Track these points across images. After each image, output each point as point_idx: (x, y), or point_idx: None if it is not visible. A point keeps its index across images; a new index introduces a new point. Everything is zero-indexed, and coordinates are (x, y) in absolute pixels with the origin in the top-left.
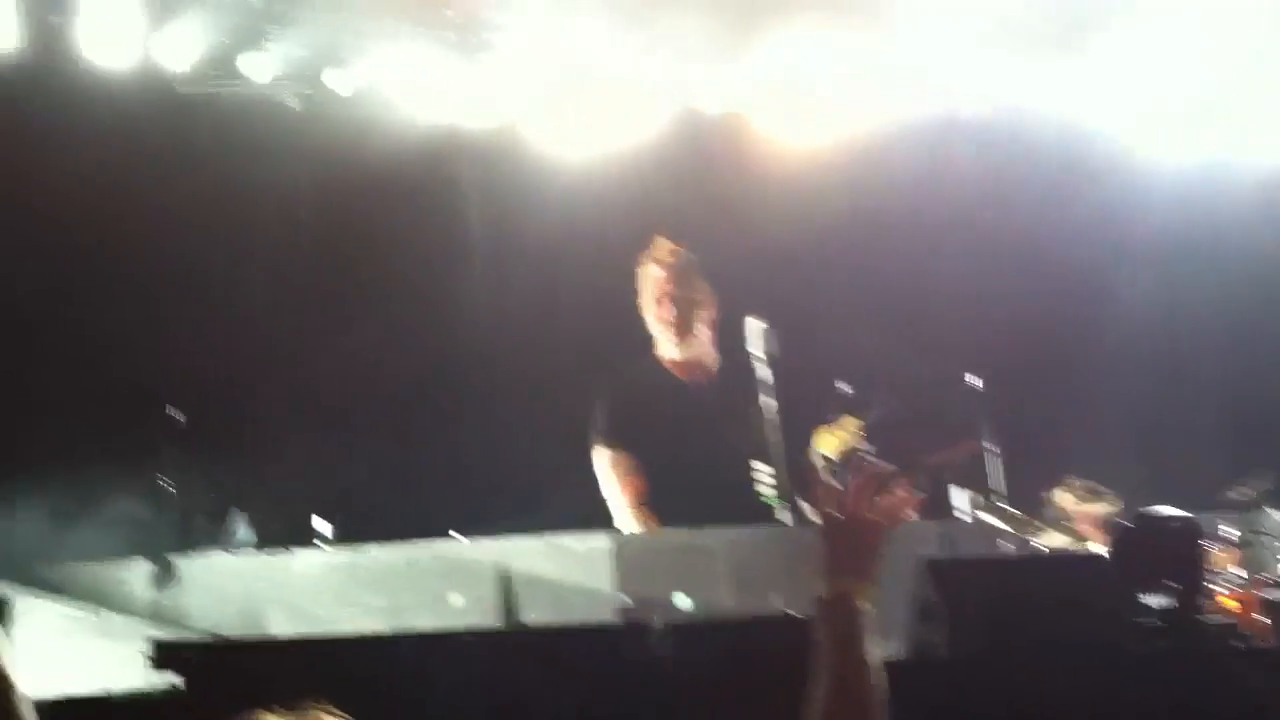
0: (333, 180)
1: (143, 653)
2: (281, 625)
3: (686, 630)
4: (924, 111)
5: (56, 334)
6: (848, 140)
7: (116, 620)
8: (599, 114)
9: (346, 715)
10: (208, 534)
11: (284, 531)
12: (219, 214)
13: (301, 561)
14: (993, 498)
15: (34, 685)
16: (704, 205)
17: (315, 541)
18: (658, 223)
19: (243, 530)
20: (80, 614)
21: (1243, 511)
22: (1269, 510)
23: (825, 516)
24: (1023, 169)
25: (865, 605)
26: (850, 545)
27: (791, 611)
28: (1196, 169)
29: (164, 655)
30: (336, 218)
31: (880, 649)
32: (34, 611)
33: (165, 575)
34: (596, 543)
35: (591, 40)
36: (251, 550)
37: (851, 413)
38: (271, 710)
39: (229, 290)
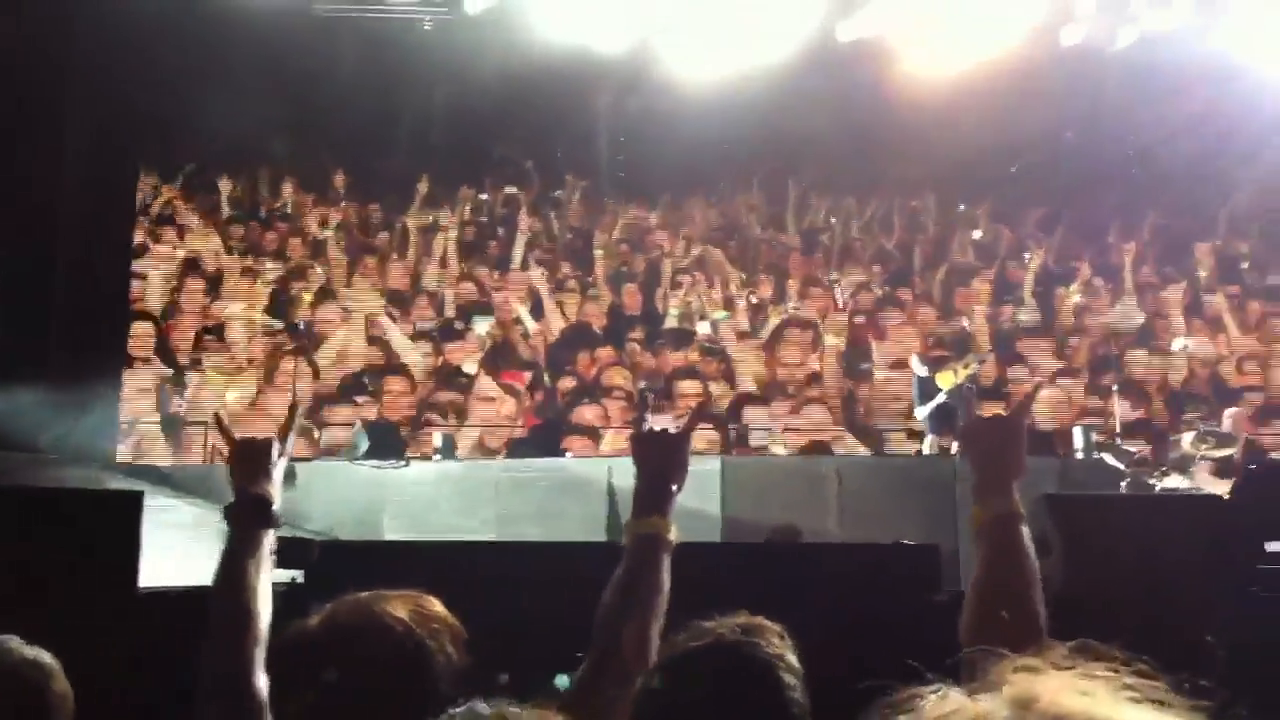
0: (464, 100)
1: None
2: (396, 532)
3: (803, 552)
4: (1070, 40)
5: None
6: (989, 68)
7: None
8: (734, 35)
9: (443, 608)
10: (331, 444)
11: (402, 444)
12: (359, 129)
13: (417, 473)
14: (1115, 439)
15: (162, 576)
16: (839, 130)
17: (431, 455)
18: (790, 145)
19: (363, 440)
20: (204, 512)
21: None
22: None
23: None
24: (1167, 99)
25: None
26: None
27: (905, 540)
28: None
29: (286, 552)
30: (467, 136)
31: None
32: (163, 509)
33: (284, 479)
34: (705, 464)
35: None
36: (370, 460)
37: (972, 354)
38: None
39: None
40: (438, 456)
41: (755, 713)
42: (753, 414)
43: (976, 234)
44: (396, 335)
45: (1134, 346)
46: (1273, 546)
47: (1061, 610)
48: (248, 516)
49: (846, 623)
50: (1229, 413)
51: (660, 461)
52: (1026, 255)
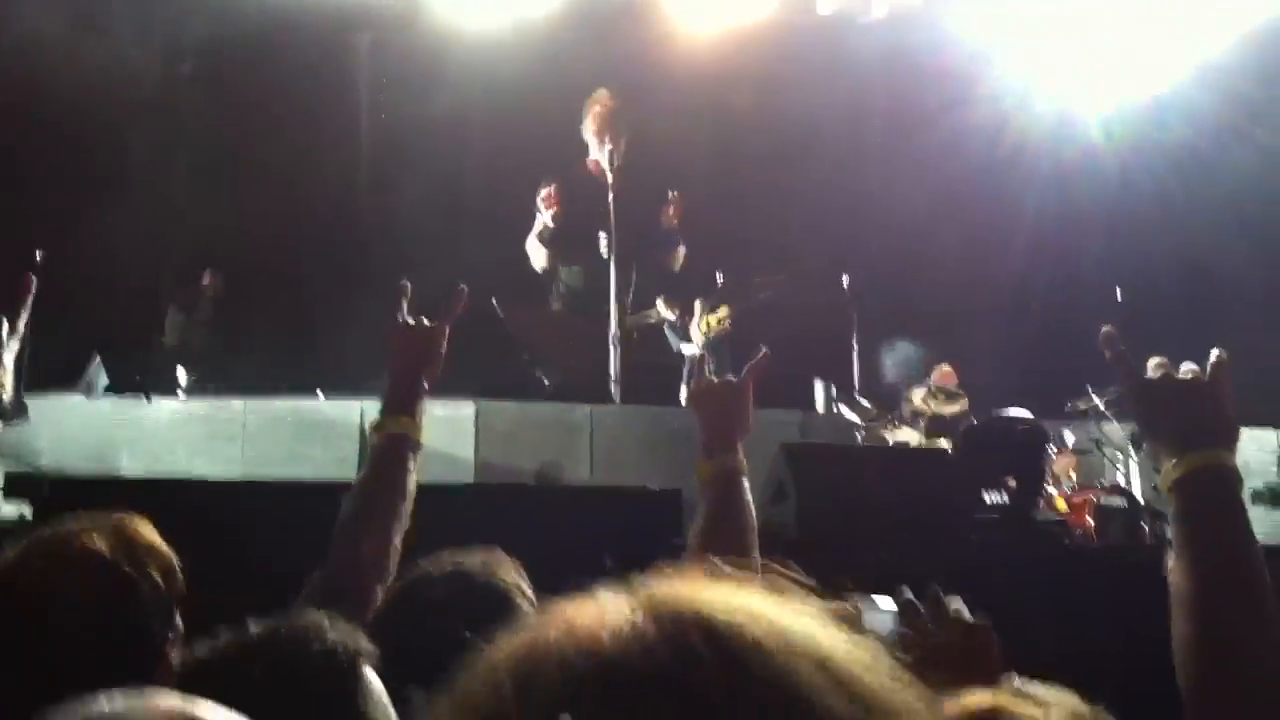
0: (226, 44)
1: None
2: (135, 471)
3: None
4: (829, 9)
5: None
6: (753, 29)
7: None
8: None
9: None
10: (65, 377)
11: (143, 380)
12: (108, 67)
13: (158, 410)
14: (851, 393)
15: None
16: (606, 82)
17: (176, 391)
18: (559, 96)
19: (101, 376)
20: None
21: (1085, 421)
22: (1109, 422)
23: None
24: (920, 69)
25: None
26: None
27: (648, 485)
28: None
29: (15, 485)
30: (229, 82)
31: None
32: None
33: (15, 413)
34: (461, 409)
35: None
36: (108, 396)
37: (727, 301)
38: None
39: (114, 150)
40: (183, 395)
41: (491, 637)
42: None
43: None
44: None
45: None
46: (989, 497)
47: (795, 555)
48: None
49: (587, 563)
50: (942, 369)
51: (413, 357)
52: None
